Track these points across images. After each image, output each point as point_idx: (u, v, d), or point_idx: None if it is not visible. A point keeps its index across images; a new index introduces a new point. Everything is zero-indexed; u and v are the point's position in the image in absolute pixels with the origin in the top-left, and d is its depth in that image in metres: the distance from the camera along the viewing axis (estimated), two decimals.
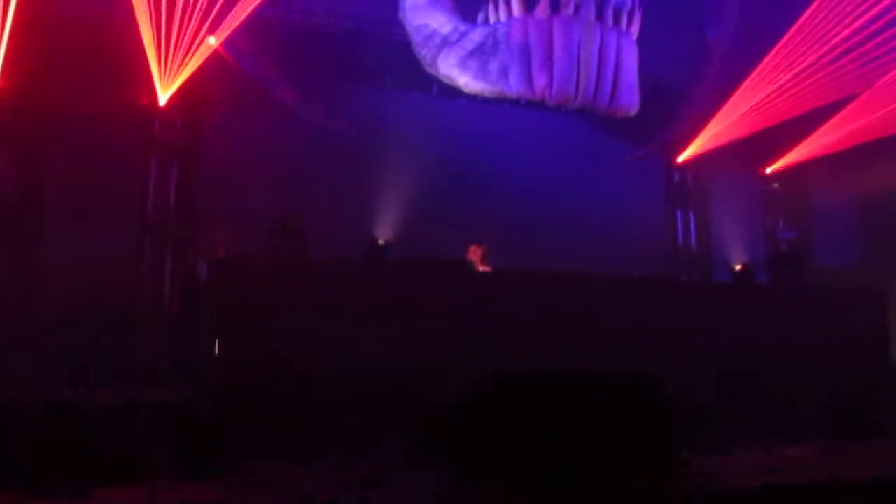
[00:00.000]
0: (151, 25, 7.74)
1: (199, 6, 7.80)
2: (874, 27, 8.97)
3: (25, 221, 7.54)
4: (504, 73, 7.48)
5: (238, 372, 6.21)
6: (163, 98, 8.06)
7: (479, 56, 7.58)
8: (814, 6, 8.97)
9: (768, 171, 10.87)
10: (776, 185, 10.94)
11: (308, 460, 5.72)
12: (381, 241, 8.58)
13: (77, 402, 5.20)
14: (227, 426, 5.48)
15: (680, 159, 10.69)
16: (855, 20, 8.94)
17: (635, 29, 7.81)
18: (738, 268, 9.62)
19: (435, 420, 5.18)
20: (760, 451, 6.60)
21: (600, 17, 7.49)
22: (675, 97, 10.21)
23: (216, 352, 6.33)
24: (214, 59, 8.17)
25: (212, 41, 8.03)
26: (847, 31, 8.98)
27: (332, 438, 5.99)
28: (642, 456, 4.44)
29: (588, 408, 4.32)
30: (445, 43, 7.73)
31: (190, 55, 7.97)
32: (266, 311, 6.39)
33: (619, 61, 7.61)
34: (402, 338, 6.48)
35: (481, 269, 8.49)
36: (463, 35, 7.68)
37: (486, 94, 7.70)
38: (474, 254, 8.59)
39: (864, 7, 8.87)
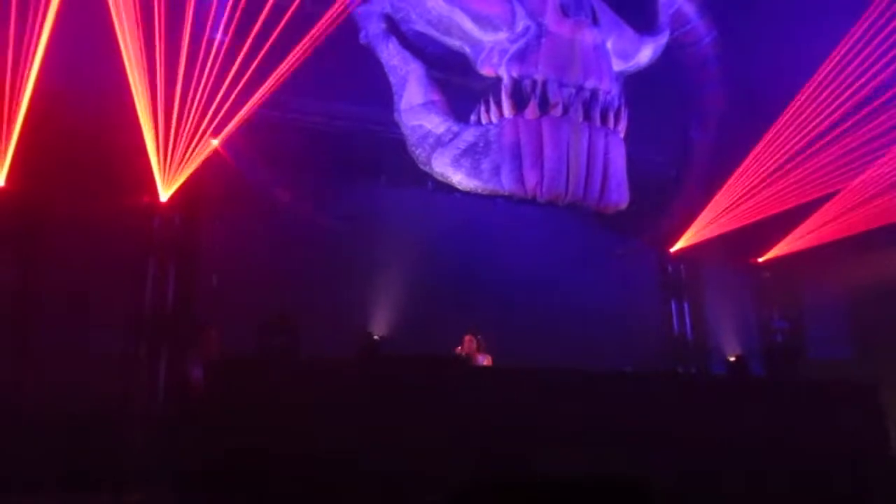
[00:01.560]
0: (154, 127, 7.99)
1: (200, 108, 8.06)
2: (854, 119, 9.25)
3: (19, 320, 7.56)
4: (496, 171, 7.66)
5: (230, 475, 6.13)
6: (164, 195, 8.25)
7: (472, 155, 7.78)
8: (792, 104, 9.28)
9: (760, 260, 10.97)
10: (768, 274, 11.03)
11: None
12: (375, 337, 8.60)
13: None
14: None
15: (673, 250, 10.81)
16: (833, 113, 9.23)
17: (622, 127, 8.04)
18: (732, 359, 9.59)
19: None
20: None
21: (588, 117, 7.72)
22: (666, 191, 10.40)
23: (209, 454, 6.26)
24: (212, 157, 8.38)
25: (213, 142, 8.28)
26: (826, 125, 9.26)
27: None
28: None
29: None
30: (439, 143, 7.94)
31: (190, 155, 8.19)
32: (259, 412, 6.35)
33: (607, 159, 7.82)
34: (396, 437, 6.42)
35: (480, 357, 8.46)
36: (456, 135, 7.89)
37: (480, 191, 7.87)
38: (469, 344, 8.60)
39: (840, 100, 9.17)
